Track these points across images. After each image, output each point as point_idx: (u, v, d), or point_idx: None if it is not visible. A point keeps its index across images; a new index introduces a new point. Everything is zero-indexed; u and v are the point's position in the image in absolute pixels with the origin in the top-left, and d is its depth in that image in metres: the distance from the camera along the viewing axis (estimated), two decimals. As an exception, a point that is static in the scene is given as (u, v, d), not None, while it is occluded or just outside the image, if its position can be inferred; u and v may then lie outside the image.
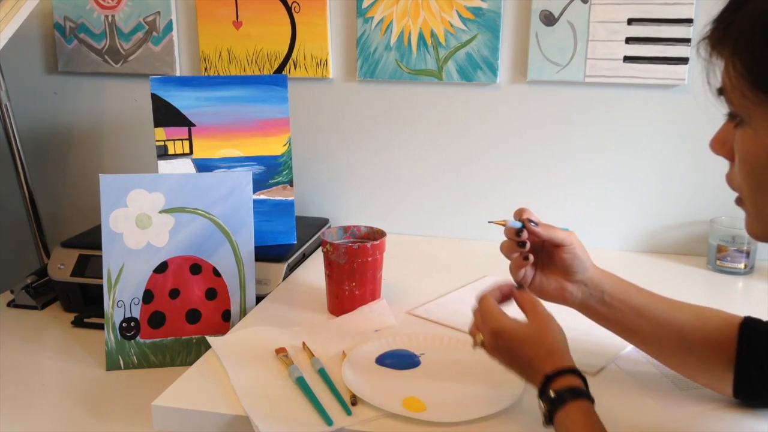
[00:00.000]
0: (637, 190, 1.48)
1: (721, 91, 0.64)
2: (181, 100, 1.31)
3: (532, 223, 0.89)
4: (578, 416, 0.74)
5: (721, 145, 0.68)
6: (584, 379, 0.77)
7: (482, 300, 0.87)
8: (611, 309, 0.91)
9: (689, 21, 1.35)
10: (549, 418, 0.76)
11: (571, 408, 0.74)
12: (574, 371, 0.77)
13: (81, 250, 1.33)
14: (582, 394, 0.75)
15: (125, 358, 1.14)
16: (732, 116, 0.65)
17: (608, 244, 1.50)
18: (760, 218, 0.66)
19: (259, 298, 1.20)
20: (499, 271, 1.35)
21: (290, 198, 1.38)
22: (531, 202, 1.51)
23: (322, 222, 1.57)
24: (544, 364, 0.78)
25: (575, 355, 0.97)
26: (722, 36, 0.62)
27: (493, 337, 0.83)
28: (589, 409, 0.74)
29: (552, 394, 0.75)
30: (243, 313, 1.18)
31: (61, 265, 1.32)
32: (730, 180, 0.68)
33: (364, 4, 1.49)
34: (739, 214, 1.47)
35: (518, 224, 0.89)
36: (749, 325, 0.85)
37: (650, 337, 0.90)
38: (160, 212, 1.14)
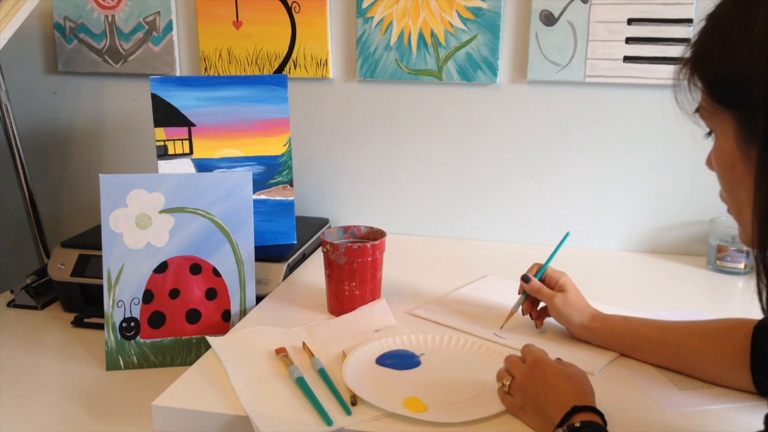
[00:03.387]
0: (637, 190, 1.48)
1: (697, 110, 0.70)
2: (181, 100, 1.31)
3: (525, 279, 1.08)
4: None
5: (710, 162, 0.73)
6: (605, 424, 0.79)
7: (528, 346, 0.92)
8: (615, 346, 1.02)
9: (689, 21, 1.35)
10: None
11: None
12: (598, 412, 0.79)
13: (81, 250, 1.33)
14: (599, 429, 0.76)
15: (125, 358, 1.14)
16: (710, 133, 0.70)
17: (608, 244, 1.50)
18: (743, 224, 0.70)
19: (259, 298, 1.20)
20: (499, 271, 1.36)
21: (290, 198, 1.38)
22: (531, 202, 1.52)
23: (322, 222, 1.57)
24: (574, 397, 0.80)
25: (576, 355, 0.98)
26: (689, 57, 0.68)
27: (534, 365, 0.86)
28: None
29: (577, 423, 0.76)
30: (243, 313, 1.18)
31: (61, 265, 1.32)
32: (720, 194, 0.73)
33: (364, 4, 1.49)
34: (739, 214, 1.46)
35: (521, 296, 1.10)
36: (763, 327, 0.88)
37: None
38: (160, 212, 1.14)
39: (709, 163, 0.72)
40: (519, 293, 1.10)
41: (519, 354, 0.91)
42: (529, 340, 1.04)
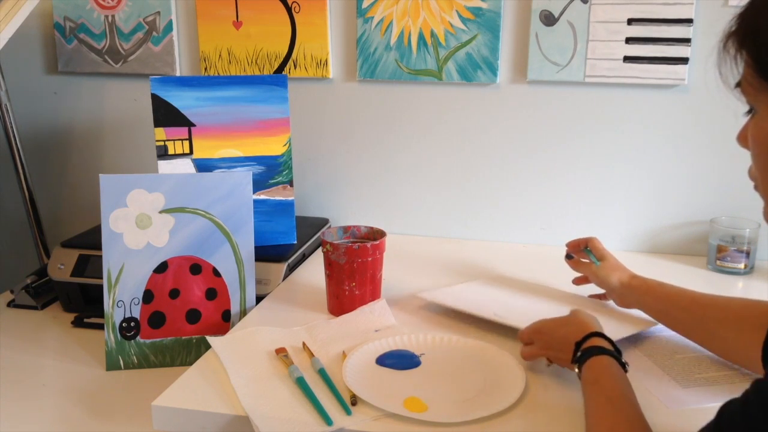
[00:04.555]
0: (637, 190, 1.48)
1: (738, 84, 0.67)
2: (181, 100, 1.31)
3: (569, 256, 1.22)
4: (595, 366, 0.83)
5: (744, 138, 0.70)
6: (611, 342, 0.87)
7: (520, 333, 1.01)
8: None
9: (689, 21, 1.35)
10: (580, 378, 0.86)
11: (592, 361, 0.84)
12: (599, 335, 0.88)
13: (81, 250, 1.33)
14: (602, 351, 0.85)
15: (125, 358, 1.14)
16: (750, 109, 0.68)
17: (608, 244, 1.48)
18: None
19: (259, 298, 1.20)
20: (499, 271, 1.36)
21: (290, 198, 1.38)
22: (531, 202, 1.52)
23: (322, 222, 1.57)
24: (576, 336, 0.89)
25: None
26: (736, 30, 0.66)
27: (538, 334, 0.96)
28: (607, 362, 0.83)
29: (578, 354, 0.87)
30: (243, 313, 1.18)
31: (61, 265, 1.32)
32: (750, 170, 0.70)
33: (364, 4, 1.49)
34: (739, 214, 1.48)
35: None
36: None
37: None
38: (160, 212, 1.14)
39: (744, 139, 0.70)
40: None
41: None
42: (526, 321, 1.05)
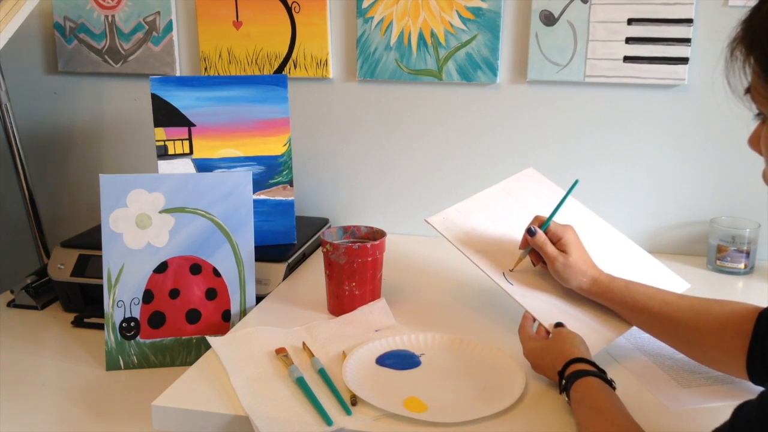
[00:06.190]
0: (637, 190, 1.48)
1: (748, 90, 0.66)
2: (181, 100, 1.31)
3: (531, 231, 1.07)
4: (580, 388, 0.83)
5: (755, 142, 0.70)
6: (593, 363, 0.87)
7: (519, 330, 1.01)
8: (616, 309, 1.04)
9: (689, 21, 1.35)
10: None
11: (576, 385, 0.83)
12: (579, 360, 0.87)
13: (81, 250, 1.33)
14: (585, 373, 0.84)
15: (125, 358, 1.14)
16: (760, 114, 0.67)
17: (608, 244, 1.50)
18: None
19: (259, 298, 1.20)
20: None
21: (290, 198, 1.38)
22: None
23: (322, 222, 1.57)
24: (558, 363, 0.89)
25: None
26: (743, 36, 0.65)
27: (527, 358, 0.96)
28: (591, 381, 0.83)
29: (563, 383, 0.86)
30: (243, 313, 1.18)
31: (61, 265, 1.32)
32: (764, 174, 0.70)
33: (364, 4, 1.49)
34: (739, 214, 1.48)
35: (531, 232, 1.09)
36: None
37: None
38: (160, 212, 1.14)
39: (755, 143, 0.69)
40: (521, 248, 1.11)
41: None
42: (537, 289, 1.08)
